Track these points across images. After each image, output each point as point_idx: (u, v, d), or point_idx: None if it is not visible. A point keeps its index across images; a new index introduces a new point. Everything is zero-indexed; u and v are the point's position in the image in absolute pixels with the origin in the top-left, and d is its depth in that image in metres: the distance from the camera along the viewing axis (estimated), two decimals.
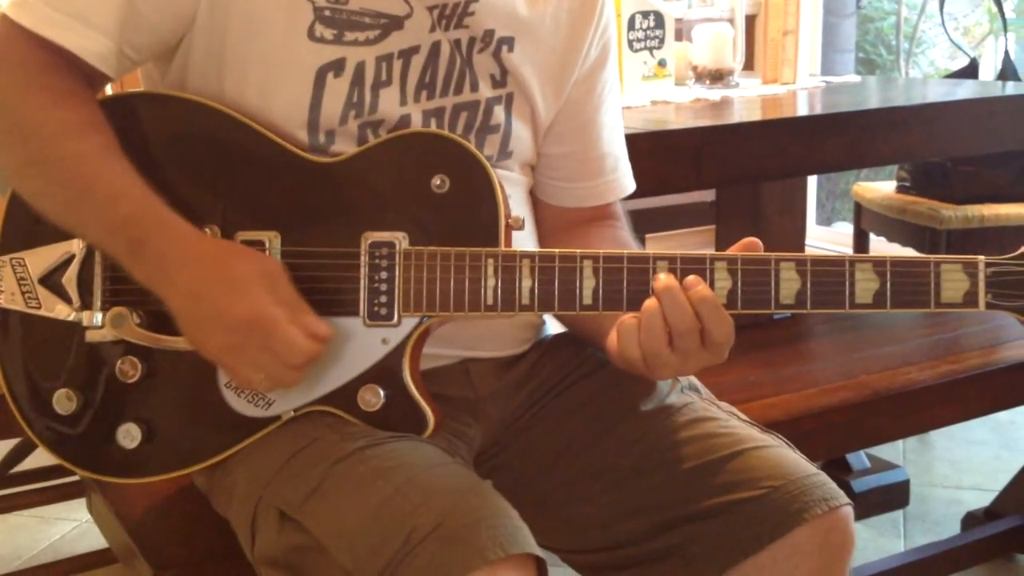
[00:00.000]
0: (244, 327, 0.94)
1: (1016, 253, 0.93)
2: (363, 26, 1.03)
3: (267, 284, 0.95)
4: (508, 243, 1.00)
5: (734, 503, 1.03)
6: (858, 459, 2.34)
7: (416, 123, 1.07)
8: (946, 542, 2.05)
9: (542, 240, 1.21)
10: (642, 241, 2.67)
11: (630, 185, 1.25)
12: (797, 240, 2.43)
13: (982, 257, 0.93)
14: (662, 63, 2.12)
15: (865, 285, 0.95)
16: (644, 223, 2.75)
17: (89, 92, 1.02)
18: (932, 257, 0.94)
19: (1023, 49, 4.41)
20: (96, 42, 0.99)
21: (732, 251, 0.98)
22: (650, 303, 0.96)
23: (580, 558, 1.14)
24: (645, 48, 2.09)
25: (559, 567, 1.17)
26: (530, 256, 0.97)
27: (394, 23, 1.04)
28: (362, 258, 0.99)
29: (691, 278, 0.95)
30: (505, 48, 1.10)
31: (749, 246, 0.98)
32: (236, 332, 0.94)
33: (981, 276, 0.93)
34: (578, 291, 0.97)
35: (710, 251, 0.98)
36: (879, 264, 0.94)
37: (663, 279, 0.95)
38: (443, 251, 0.98)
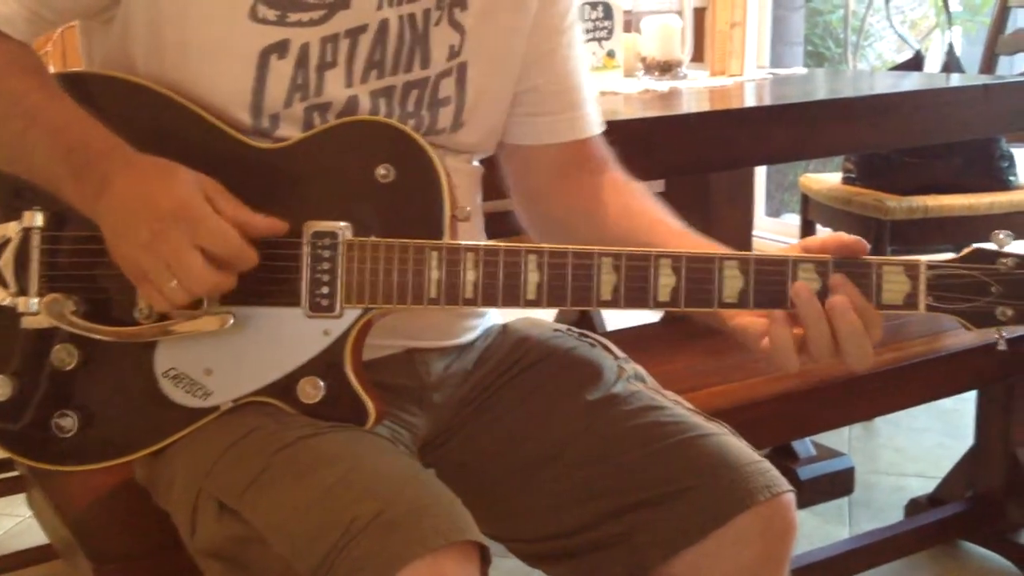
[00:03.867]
0: (171, 215, 0.91)
1: (958, 256, 0.93)
2: (307, 6, 1.01)
3: (206, 185, 0.94)
4: (454, 236, 0.99)
5: (679, 491, 1.04)
6: (804, 447, 2.37)
7: (364, 105, 1.05)
8: (890, 528, 2.09)
9: (539, 206, 1.20)
10: None
11: (600, 125, 1.22)
12: (744, 231, 2.46)
13: (924, 259, 0.93)
14: (611, 54, 2.12)
15: (809, 285, 0.95)
16: None
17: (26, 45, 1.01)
18: (874, 259, 0.94)
19: (969, 42, 4.48)
20: (6, 5, 0.99)
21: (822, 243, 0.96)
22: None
23: (527, 547, 1.14)
24: (594, 39, 2.10)
25: (506, 557, 1.17)
26: (474, 249, 0.97)
27: (340, 3, 1.02)
28: (304, 248, 0.98)
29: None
30: (457, 9, 1.08)
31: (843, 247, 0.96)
32: (162, 220, 0.91)
33: (922, 279, 0.93)
34: (522, 285, 0.96)
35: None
36: (821, 264, 0.94)
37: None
38: (387, 243, 0.97)
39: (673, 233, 1.10)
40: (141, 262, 0.93)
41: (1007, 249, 0.92)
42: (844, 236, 0.96)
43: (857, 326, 0.92)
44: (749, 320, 0.98)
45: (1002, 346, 0.94)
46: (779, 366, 0.96)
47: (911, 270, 0.93)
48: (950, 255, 0.94)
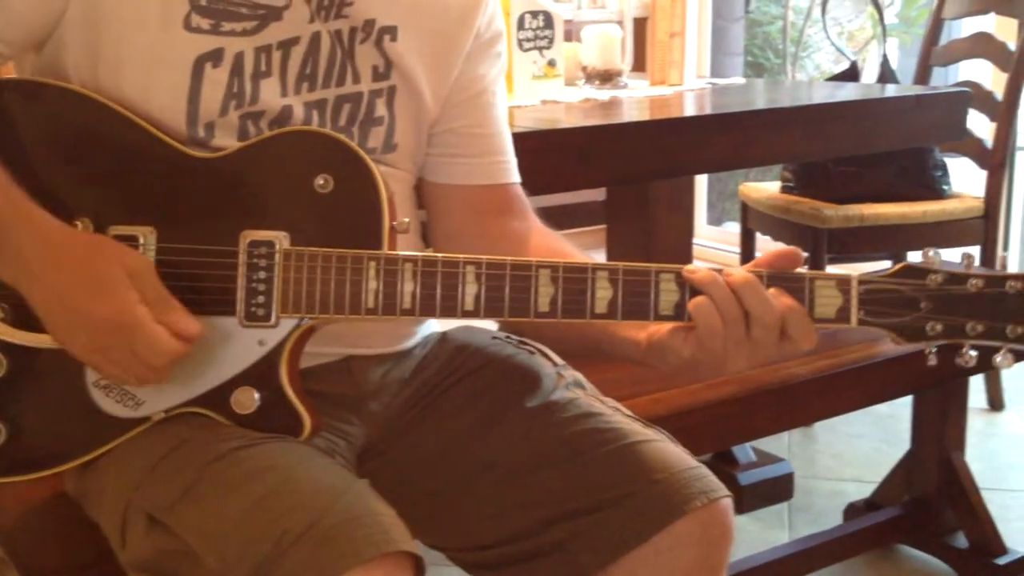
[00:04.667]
0: (107, 328, 0.92)
1: (889, 272, 0.95)
2: (240, 16, 1.01)
3: (132, 282, 0.93)
4: (392, 246, 0.99)
5: (617, 498, 1.04)
6: (744, 453, 2.39)
7: (298, 115, 1.05)
8: (828, 533, 2.11)
9: (457, 247, 1.17)
10: None
11: (518, 177, 1.23)
12: (685, 239, 2.48)
13: (855, 275, 0.95)
14: (552, 63, 2.13)
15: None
16: None
17: None
18: (807, 273, 0.96)
19: (905, 54, 4.56)
20: None
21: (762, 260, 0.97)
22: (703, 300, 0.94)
23: (466, 556, 1.14)
24: (535, 48, 2.10)
25: (447, 566, 1.16)
26: (413, 260, 0.96)
27: (272, 14, 1.03)
28: (240, 257, 0.97)
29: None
30: (387, 38, 1.09)
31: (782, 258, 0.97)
32: (99, 333, 0.92)
33: (854, 293, 0.94)
34: (460, 296, 0.96)
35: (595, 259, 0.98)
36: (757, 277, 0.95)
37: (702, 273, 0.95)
38: (324, 252, 0.96)
39: None
40: (88, 361, 0.96)
41: (936, 266, 0.94)
42: (779, 249, 0.98)
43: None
44: (661, 332, 0.99)
45: (932, 361, 0.95)
46: (710, 362, 0.97)
47: (843, 284, 0.95)
48: (886, 265, 0.96)
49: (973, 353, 0.95)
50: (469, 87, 1.18)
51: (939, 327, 0.94)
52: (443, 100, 1.16)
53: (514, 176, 1.22)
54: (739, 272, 0.95)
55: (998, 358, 0.94)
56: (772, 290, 0.95)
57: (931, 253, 0.94)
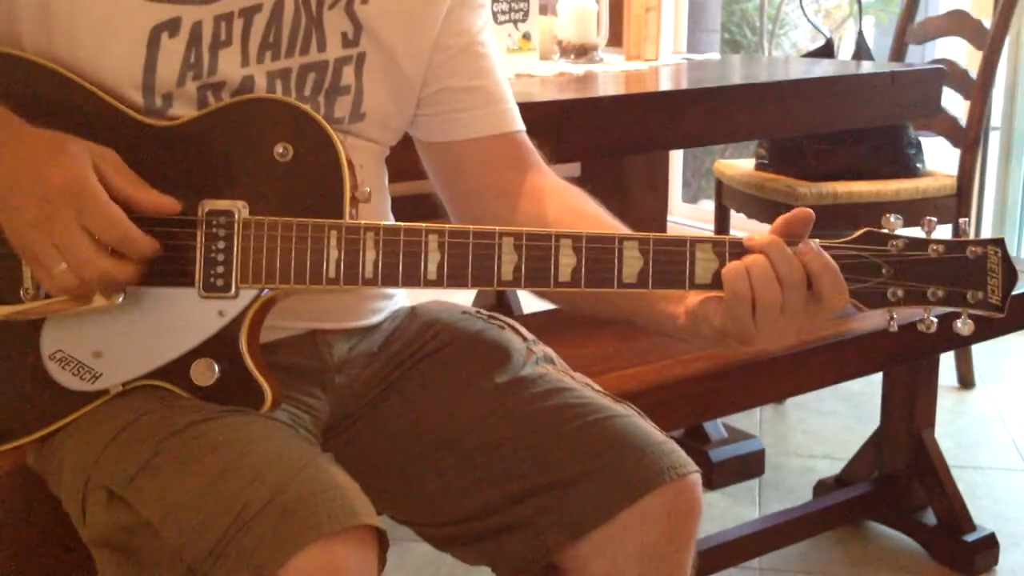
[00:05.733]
0: (58, 194, 0.88)
1: (850, 238, 0.94)
2: None
3: (100, 157, 0.90)
4: (355, 216, 0.97)
5: (585, 473, 1.04)
6: (715, 429, 2.40)
7: (260, 85, 1.03)
8: (798, 509, 2.12)
9: (476, 207, 1.16)
10: None
11: (522, 124, 1.19)
12: (660, 215, 2.48)
13: (816, 241, 0.94)
14: (527, 36, 2.11)
15: (704, 265, 0.94)
16: None
17: None
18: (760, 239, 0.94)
19: (882, 32, 4.56)
20: None
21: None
22: (756, 257, 0.92)
23: (434, 531, 1.13)
24: (510, 20, 2.08)
25: (415, 541, 1.16)
26: (374, 229, 0.95)
27: None
28: (199, 226, 0.95)
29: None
30: (358, 0, 1.06)
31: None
32: (50, 201, 0.88)
33: None
34: (422, 265, 0.94)
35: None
36: (718, 245, 0.94)
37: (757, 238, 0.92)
38: (284, 221, 0.95)
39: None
40: (29, 241, 0.89)
41: (897, 232, 0.94)
42: (792, 212, 0.95)
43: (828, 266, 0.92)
44: (694, 303, 0.97)
45: (893, 328, 0.95)
46: (739, 332, 0.94)
47: None
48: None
49: (934, 319, 0.94)
50: (455, 42, 1.14)
51: (900, 292, 0.94)
52: (425, 61, 1.12)
53: (519, 123, 1.18)
54: (760, 236, 0.93)
55: (958, 323, 0.94)
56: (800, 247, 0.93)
57: (892, 219, 0.94)
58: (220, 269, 0.95)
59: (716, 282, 0.94)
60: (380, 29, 1.08)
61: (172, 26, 0.99)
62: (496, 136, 1.16)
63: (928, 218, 0.95)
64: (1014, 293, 0.94)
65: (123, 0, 0.97)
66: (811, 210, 0.95)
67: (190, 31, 0.99)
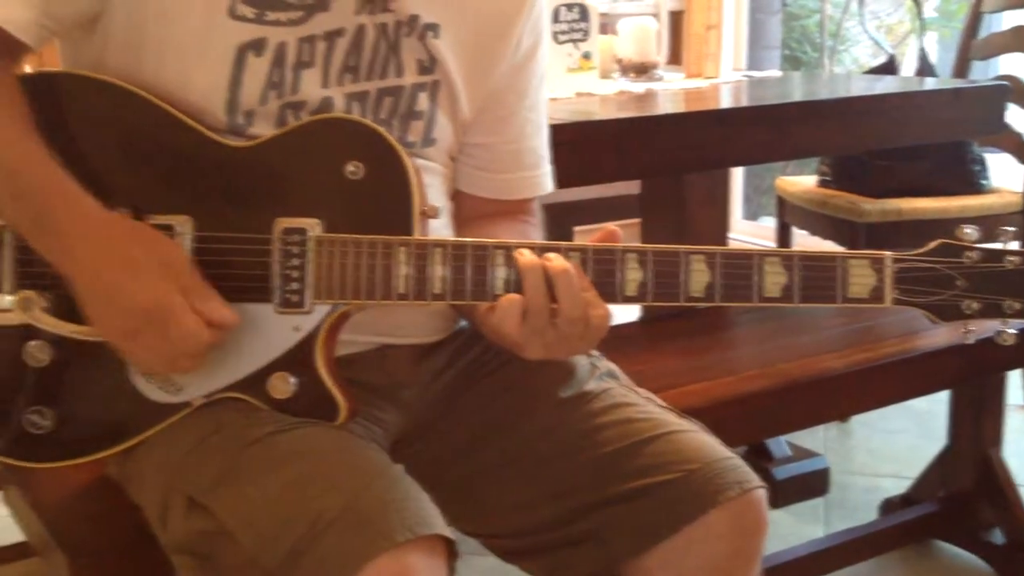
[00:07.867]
0: (141, 314, 0.93)
1: (923, 249, 0.94)
2: (286, 6, 1.02)
3: (166, 271, 0.94)
4: (424, 233, 1.00)
5: (650, 487, 1.05)
6: (779, 447, 2.38)
7: (338, 106, 1.06)
8: (864, 527, 2.10)
9: (455, 229, 1.20)
10: (571, 234, 2.69)
11: (549, 185, 1.23)
12: (720, 232, 2.47)
13: (889, 253, 0.94)
14: (587, 55, 2.13)
15: (774, 279, 0.95)
16: (572, 216, 2.76)
17: (5, 61, 1.00)
18: (839, 252, 0.95)
19: (944, 48, 4.51)
20: (17, 11, 0.98)
21: (591, 241, 0.98)
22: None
23: (499, 543, 1.14)
24: (570, 40, 2.10)
25: (485, 555, 1.17)
26: (442, 245, 0.97)
27: (319, 4, 1.03)
28: (274, 244, 0.98)
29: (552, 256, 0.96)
30: (430, 34, 1.09)
31: (606, 236, 0.98)
32: (133, 318, 0.93)
33: (888, 272, 0.94)
34: (490, 281, 0.96)
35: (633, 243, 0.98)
36: (787, 259, 0.95)
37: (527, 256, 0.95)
38: (355, 238, 0.97)
39: None
40: (119, 345, 0.96)
41: (972, 244, 0.93)
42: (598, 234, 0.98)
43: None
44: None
45: (970, 340, 0.95)
46: (506, 343, 0.98)
47: (877, 263, 0.94)
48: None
49: (1012, 331, 0.93)
50: (502, 103, 1.17)
51: (975, 305, 0.93)
52: (478, 107, 1.16)
53: (534, 190, 1.22)
54: (559, 261, 0.95)
55: None
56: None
57: (967, 229, 0.93)
58: (295, 285, 0.98)
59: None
60: (448, 65, 1.11)
61: (258, 46, 1.02)
62: (503, 200, 1.20)
63: (1004, 228, 0.94)
64: None
65: (213, 20, 1.01)
66: (618, 228, 0.98)
67: (275, 51, 1.02)
